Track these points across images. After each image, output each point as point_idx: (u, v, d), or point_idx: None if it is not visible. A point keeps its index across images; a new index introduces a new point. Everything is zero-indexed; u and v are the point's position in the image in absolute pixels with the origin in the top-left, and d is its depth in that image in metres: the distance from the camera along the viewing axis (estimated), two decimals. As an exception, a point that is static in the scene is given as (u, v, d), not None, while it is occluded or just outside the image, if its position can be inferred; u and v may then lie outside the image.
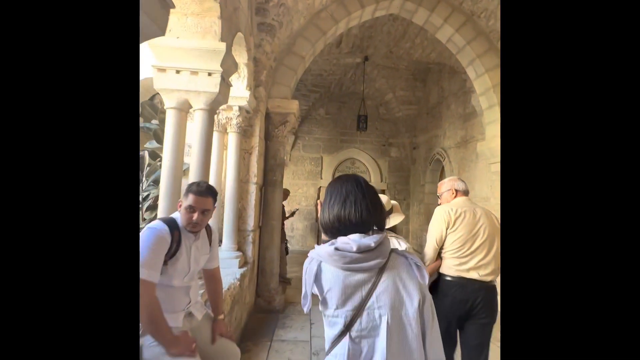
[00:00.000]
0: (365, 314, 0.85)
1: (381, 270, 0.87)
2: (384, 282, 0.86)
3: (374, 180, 8.04)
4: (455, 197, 1.95)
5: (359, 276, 0.86)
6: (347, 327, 0.86)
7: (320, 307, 0.90)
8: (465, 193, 1.96)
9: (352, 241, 0.86)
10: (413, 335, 0.84)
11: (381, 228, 0.93)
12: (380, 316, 0.85)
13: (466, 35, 3.98)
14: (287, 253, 5.65)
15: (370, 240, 0.86)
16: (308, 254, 0.92)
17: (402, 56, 5.88)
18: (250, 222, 3.32)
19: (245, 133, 3.36)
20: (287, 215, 5.44)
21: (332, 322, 0.88)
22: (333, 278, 0.87)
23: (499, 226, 1.88)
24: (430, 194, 6.84)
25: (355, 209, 0.88)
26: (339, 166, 8.11)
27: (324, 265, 0.88)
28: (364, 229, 0.89)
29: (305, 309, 0.89)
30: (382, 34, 5.30)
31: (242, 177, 3.32)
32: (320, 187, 7.99)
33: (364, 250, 0.85)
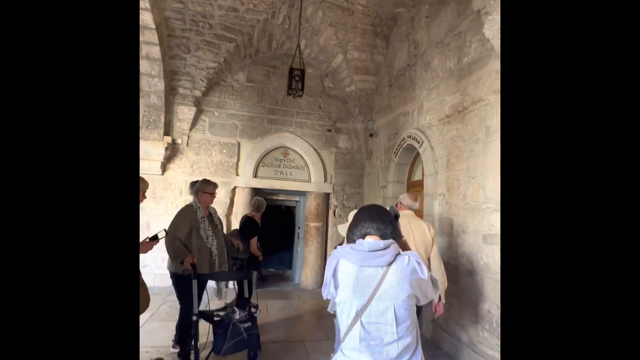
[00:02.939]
0: (374, 303, 1.07)
1: (388, 266, 1.09)
2: (390, 276, 1.08)
3: (314, 180, 5.67)
4: (400, 209, 2.48)
5: (370, 270, 1.09)
6: (358, 314, 1.07)
7: (335, 297, 1.14)
8: (409, 207, 2.48)
9: (366, 242, 1.13)
10: (412, 319, 1.10)
11: (395, 238, 1.17)
12: (387, 306, 1.06)
13: None
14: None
15: (380, 242, 1.12)
16: (331, 253, 1.19)
17: (362, -24, 3.66)
18: None
19: None
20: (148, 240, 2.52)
21: (346, 310, 1.10)
22: (349, 272, 1.11)
23: (430, 236, 2.37)
24: (396, 199, 4.67)
25: (379, 227, 1.17)
26: (265, 157, 5.58)
27: (342, 261, 1.13)
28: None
29: (325, 295, 1.18)
30: None
31: None
32: (235, 187, 5.36)
33: (374, 250, 1.10)
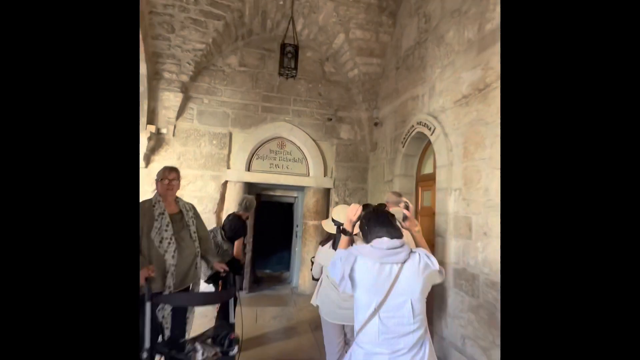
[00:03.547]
0: (391, 298, 1.17)
1: (403, 264, 1.21)
2: (405, 272, 1.20)
3: (313, 174, 5.18)
4: (389, 208, 2.19)
5: (388, 267, 1.20)
6: (377, 309, 1.16)
7: (354, 294, 1.22)
8: (395, 205, 2.09)
9: (384, 242, 1.25)
10: (424, 311, 1.23)
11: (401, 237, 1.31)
12: (404, 300, 1.17)
13: None
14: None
15: (396, 241, 1.25)
16: (348, 249, 1.28)
17: None
18: None
19: None
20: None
21: (364, 305, 1.20)
22: (367, 269, 1.20)
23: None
24: (403, 195, 4.14)
25: (389, 230, 1.30)
26: (260, 149, 5.09)
27: (360, 259, 1.22)
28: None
29: (341, 289, 1.21)
30: None
31: None
32: (226, 181, 4.89)
33: (392, 247, 1.23)
